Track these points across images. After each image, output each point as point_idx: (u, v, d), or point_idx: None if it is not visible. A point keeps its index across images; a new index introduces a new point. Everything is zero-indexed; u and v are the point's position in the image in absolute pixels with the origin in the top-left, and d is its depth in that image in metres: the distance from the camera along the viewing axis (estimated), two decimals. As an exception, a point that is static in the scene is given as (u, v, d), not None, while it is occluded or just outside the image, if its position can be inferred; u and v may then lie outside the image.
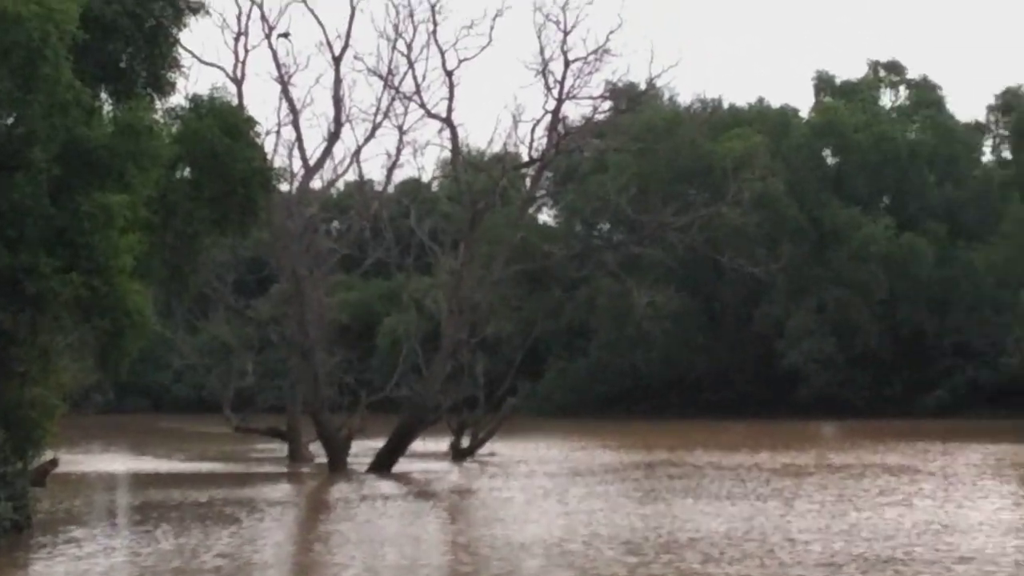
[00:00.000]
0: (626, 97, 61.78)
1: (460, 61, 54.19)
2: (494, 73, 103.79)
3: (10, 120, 28.61)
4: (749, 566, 26.16)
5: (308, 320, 52.78)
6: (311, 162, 55.43)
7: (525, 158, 57.25)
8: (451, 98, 55.01)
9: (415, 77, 54.62)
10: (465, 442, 53.97)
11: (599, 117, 58.39)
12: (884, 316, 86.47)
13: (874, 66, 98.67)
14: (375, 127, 55.63)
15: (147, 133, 30.56)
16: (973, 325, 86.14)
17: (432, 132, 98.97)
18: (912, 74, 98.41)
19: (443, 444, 53.94)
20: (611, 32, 54.66)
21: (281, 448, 56.31)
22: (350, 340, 73.42)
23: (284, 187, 52.01)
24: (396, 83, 54.84)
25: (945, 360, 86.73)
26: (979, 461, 50.80)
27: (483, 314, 54.36)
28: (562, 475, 46.79)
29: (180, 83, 34.84)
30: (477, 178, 57.14)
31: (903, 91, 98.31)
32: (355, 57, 58.27)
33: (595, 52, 53.59)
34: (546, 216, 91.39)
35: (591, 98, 55.79)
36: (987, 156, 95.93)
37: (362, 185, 63.50)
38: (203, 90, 37.53)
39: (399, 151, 58.65)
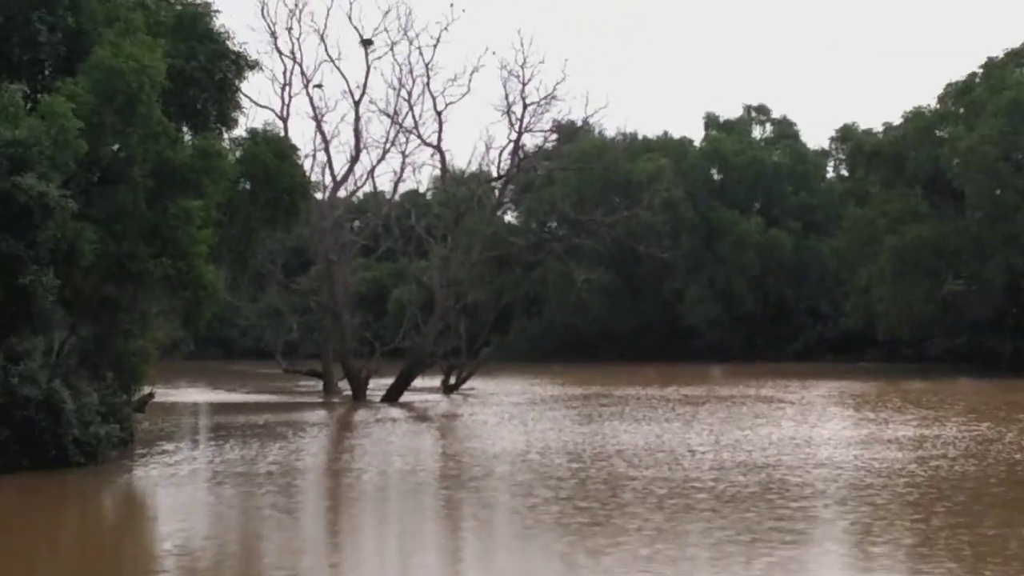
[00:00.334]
0: (568, 131, 61.81)
1: (447, 104, 54.59)
2: (472, 112, 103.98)
3: (116, 146, 28.33)
4: (661, 470, 26.11)
5: (337, 292, 52.85)
6: (338, 177, 55.61)
7: (495, 174, 57.26)
8: (440, 131, 55.54)
9: (414, 116, 55.04)
10: (452, 380, 53.79)
11: (548, 145, 58.67)
12: (756, 288, 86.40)
13: (748, 108, 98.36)
14: (384, 152, 56.29)
15: (217, 156, 30.44)
16: (821, 295, 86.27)
17: (426, 156, 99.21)
18: (775, 114, 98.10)
19: (436, 382, 53.79)
20: (557, 84, 55.87)
21: (318, 384, 56.06)
22: (367, 306, 73.18)
23: (318, 195, 52.15)
24: (400, 120, 55.05)
25: (801, 320, 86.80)
26: (826, 393, 50.89)
27: (464, 287, 54.17)
28: (523, 404, 46.67)
29: (241, 120, 34.62)
30: (460, 189, 56.99)
31: (768, 127, 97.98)
32: (370, 101, 58.22)
33: (545, 98, 53.77)
34: (510, 217, 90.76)
35: (543, 131, 56.09)
36: (830, 173, 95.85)
37: (375, 194, 63.57)
38: (258, 125, 37.52)
39: (402, 170, 60.89)
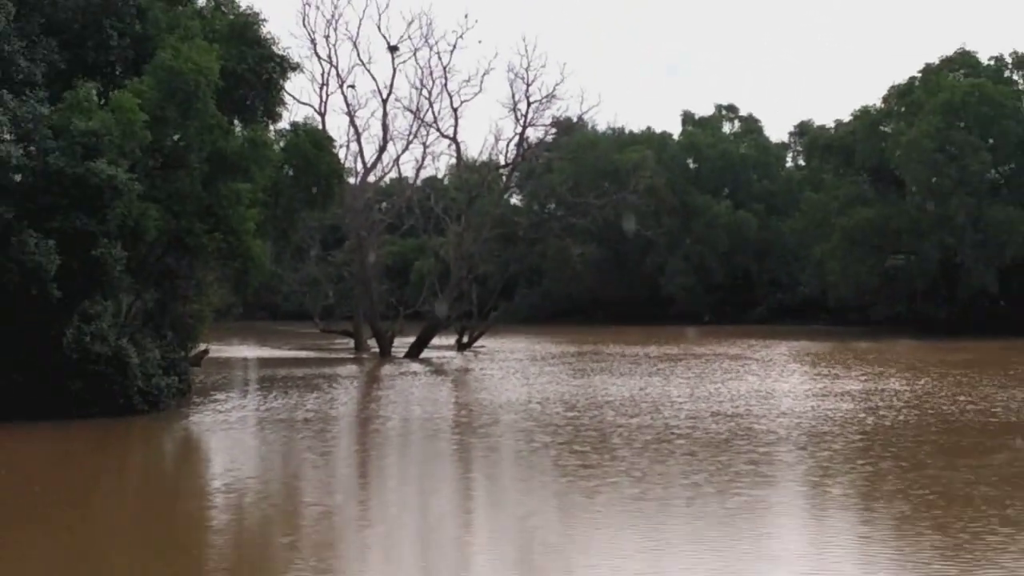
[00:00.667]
0: (565, 126, 61.55)
1: (462, 102, 54.22)
2: (483, 109, 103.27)
3: (176, 137, 28.06)
4: (644, 419, 25.78)
5: (367, 263, 52.65)
6: (368, 165, 55.27)
7: (502, 163, 56.80)
8: (456, 125, 55.33)
9: (433, 112, 54.52)
10: (465, 340, 53.48)
11: (548, 138, 58.31)
12: (726, 262, 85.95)
13: (719, 107, 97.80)
14: (408, 143, 55.92)
15: (264, 146, 30.27)
16: (782, 267, 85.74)
17: (444, 146, 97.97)
18: (743, 112, 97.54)
19: (451, 341, 53.48)
20: (556, 84, 55.26)
21: (350, 343, 55.81)
22: (393, 276, 72.65)
23: (351, 180, 51.92)
24: (422, 116, 54.60)
25: (764, 289, 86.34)
26: (786, 352, 50.54)
27: (476, 260, 53.73)
28: (525, 360, 46.41)
29: (284, 114, 34.33)
30: (472, 176, 56.66)
31: (737, 123, 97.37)
32: (396, 99, 58.60)
33: (546, 97, 53.16)
34: (515, 199, 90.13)
35: (544, 126, 55.56)
36: (789, 163, 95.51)
37: (400, 180, 63.10)
38: (299, 119, 37.48)
39: (423, 158, 63.21)
